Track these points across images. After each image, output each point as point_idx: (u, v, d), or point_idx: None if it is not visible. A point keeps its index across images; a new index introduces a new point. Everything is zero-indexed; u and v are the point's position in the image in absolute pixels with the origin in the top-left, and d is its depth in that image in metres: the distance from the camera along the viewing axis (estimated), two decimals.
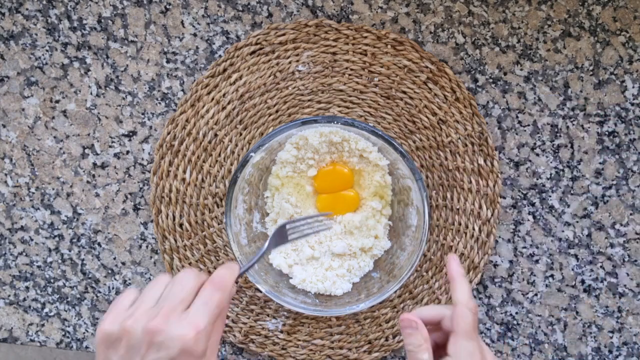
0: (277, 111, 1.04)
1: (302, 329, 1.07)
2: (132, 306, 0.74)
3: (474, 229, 1.04)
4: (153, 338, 0.69)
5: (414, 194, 0.97)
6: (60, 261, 1.09)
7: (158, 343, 0.69)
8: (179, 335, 0.69)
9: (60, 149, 1.07)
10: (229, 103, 1.03)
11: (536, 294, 1.05)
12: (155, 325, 0.70)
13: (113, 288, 1.09)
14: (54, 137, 1.07)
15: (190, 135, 1.04)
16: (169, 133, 1.04)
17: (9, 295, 1.11)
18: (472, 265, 1.04)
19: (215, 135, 1.04)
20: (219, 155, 1.04)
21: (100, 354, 0.72)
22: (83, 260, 1.09)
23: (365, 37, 1.02)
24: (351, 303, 0.97)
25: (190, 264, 1.06)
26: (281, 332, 1.07)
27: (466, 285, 0.82)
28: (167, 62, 1.05)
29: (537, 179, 1.03)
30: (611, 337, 1.05)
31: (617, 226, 1.03)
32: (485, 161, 1.02)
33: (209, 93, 1.03)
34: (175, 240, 1.06)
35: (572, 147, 1.02)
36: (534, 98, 1.02)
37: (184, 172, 1.04)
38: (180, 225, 1.05)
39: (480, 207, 1.03)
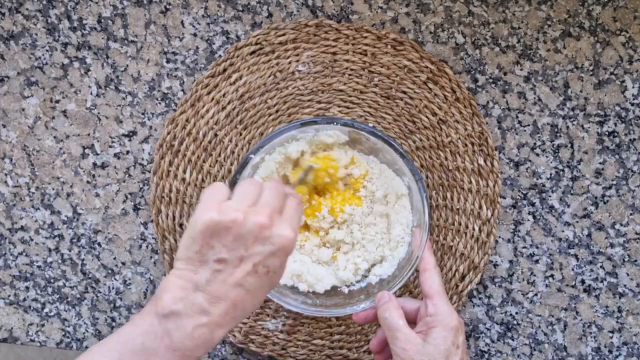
0: (277, 111, 1.04)
1: (302, 329, 1.07)
2: (230, 200, 0.78)
3: (474, 229, 1.04)
4: (261, 232, 0.76)
5: (414, 194, 0.97)
6: (60, 261, 1.09)
7: (264, 237, 0.76)
8: (283, 234, 0.77)
9: (60, 149, 1.07)
10: (229, 103, 1.03)
11: (536, 294, 1.05)
12: (264, 220, 0.76)
13: (113, 288, 1.09)
14: (54, 137, 1.07)
15: (190, 135, 1.04)
16: (169, 133, 1.04)
17: (9, 295, 1.11)
18: (472, 265, 1.04)
19: (215, 135, 1.04)
20: (219, 155, 1.04)
21: (198, 241, 0.75)
22: (83, 260, 1.09)
23: (365, 37, 1.02)
24: (351, 303, 0.97)
25: None
26: (281, 332, 1.07)
27: (431, 254, 0.94)
28: (167, 62, 1.05)
29: (537, 179, 1.03)
30: (611, 337, 1.05)
31: (617, 226, 1.03)
32: (485, 161, 1.02)
33: (209, 93, 1.03)
34: (176, 240, 1.05)
35: (572, 147, 1.02)
36: (534, 98, 1.02)
37: (184, 172, 1.04)
38: (180, 225, 1.05)
39: (480, 207, 1.03)
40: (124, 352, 0.72)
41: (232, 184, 0.95)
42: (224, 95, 1.03)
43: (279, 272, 0.78)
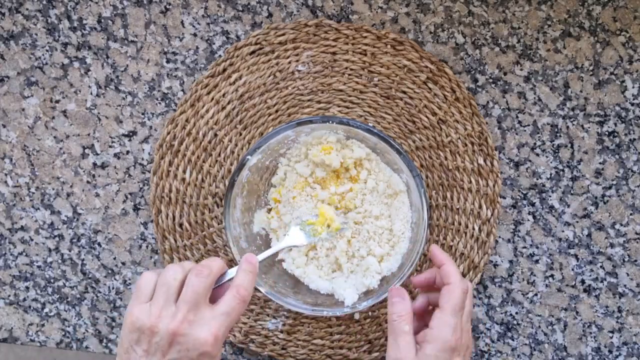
0: (276, 111, 1.04)
1: (302, 329, 1.07)
2: (153, 298, 0.79)
3: (473, 228, 1.04)
4: (175, 339, 0.76)
5: (412, 191, 0.96)
6: (60, 261, 1.09)
7: (179, 343, 0.76)
8: (200, 339, 0.77)
9: (60, 149, 1.07)
10: (228, 103, 1.03)
11: (536, 294, 1.05)
12: (177, 327, 0.76)
13: (113, 288, 1.09)
14: (54, 137, 1.07)
15: (190, 135, 1.04)
16: (168, 133, 1.04)
17: (9, 295, 1.11)
18: (472, 265, 1.04)
19: (215, 135, 1.04)
20: (219, 155, 1.04)
21: (125, 342, 0.78)
22: (83, 260, 1.09)
23: (365, 37, 1.02)
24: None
25: None
26: (281, 332, 1.07)
27: (455, 267, 0.88)
28: (167, 62, 1.05)
29: (537, 179, 1.03)
30: (611, 337, 1.05)
31: (617, 226, 1.03)
32: (485, 161, 1.02)
33: (208, 93, 1.03)
34: (175, 240, 1.06)
35: (572, 147, 1.02)
36: (534, 98, 1.02)
37: (184, 172, 1.04)
38: (180, 225, 1.05)
39: (480, 207, 1.03)
40: None
41: (231, 185, 0.94)
42: (223, 95, 1.03)
43: None
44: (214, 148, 1.04)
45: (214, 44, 1.04)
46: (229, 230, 0.96)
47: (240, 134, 1.04)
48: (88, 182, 1.08)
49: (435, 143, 1.03)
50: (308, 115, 1.03)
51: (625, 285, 1.04)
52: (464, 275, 1.04)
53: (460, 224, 1.04)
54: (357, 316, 1.04)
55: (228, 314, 0.79)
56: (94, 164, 1.07)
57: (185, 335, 0.76)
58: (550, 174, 1.03)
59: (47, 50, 1.05)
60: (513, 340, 1.06)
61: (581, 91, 1.01)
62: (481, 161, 1.03)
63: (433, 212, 1.04)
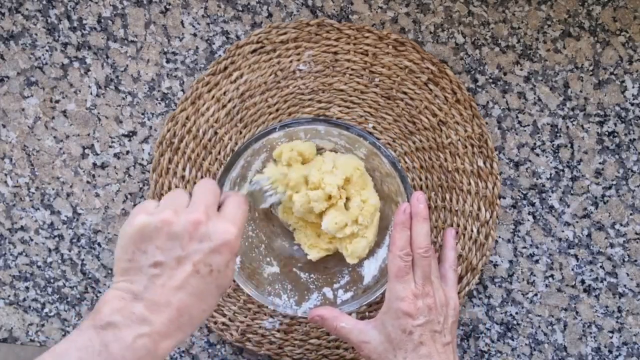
0: (277, 110, 1.04)
1: (299, 329, 1.07)
2: (160, 206, 0.74)
3: (472, 230, 1.04)
4: (196, 229, 0.71)
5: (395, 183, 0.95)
6: (60, 261, 1.09)
7: (201, 234, 0.72)
8: (223, 228, 0.73)
9: (60, 149, 1.07)
10: (229, 101, 1.03)
11: (536, 294, 1.05)
12: (198, 217, 0.72)
13: None
14: (54, 137, 1.07)
15: (190, 132, 1.04)
16: (168, 130, 1.04)
17: (9, 295, 1.11)
18: (470, 266, 1.04)
19: (215, 133, 1.04)
20: (219, 153, 1.04)
21: (130, 248, 0.72)
22: (83, 260, 1.09)
23: (367, 37, 1.02)
24: (347, 302, 0.97)
25: None
26: (278, 331, 1.07)
27: (417, 234, 0.89)
28: (167, 62, 1.05)
29: (537, 179, 1.03)
30: (611, 337, 1.05)
31: (617, 226, 1.03)
32: (484, 163, 1.03)
33: (209, 91, 1.04)
34: None
35: (572, 147, 1.02)
36: (534, 98, 1.02)
37: (184, 169, 1.04)
38: None
39: (479, 209, 1.03)
40: None
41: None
42: (224, 93, 1.03)
43: (226, 272, 0.74)
44: (214, 146, 1.04)
45: (213, 44, 1.04)
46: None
47: (241, 132, 1.04)
48: (88, 182, 1.08)
49: (435, 144, 1.03)
50: (309, 115, 1.04)
51: (625, 285, 1.04)
52: (461, 277, 1.04)
53: (459, 225, 1.04)
54: (354, 317, 1.04)
55: (238, 207, 0.76)
56: (94, 164, 1.07)
57: (207, 224, 0.72)
58: (550, 174, 1.03)
59: (47, 50, 1.06)
60: (513, 340, 1.06)
61: (581, 91, 1.01)
62: (481, 163, 1.03)
63: (432, 213, 1.04)
